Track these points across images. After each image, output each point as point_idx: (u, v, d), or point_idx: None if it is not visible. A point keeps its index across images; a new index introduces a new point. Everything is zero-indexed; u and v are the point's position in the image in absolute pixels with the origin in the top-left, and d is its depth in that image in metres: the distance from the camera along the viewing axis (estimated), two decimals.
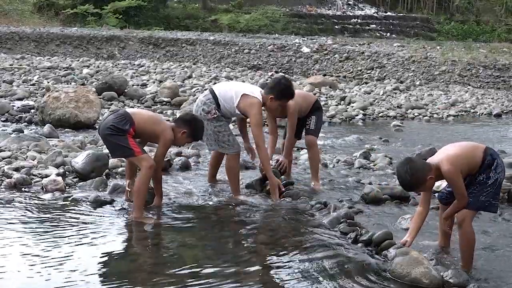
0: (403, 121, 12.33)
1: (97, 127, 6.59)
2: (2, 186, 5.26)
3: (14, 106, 10.71)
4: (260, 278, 3.70)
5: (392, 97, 15.74)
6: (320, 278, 3.65)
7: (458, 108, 14.68)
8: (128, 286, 3.45)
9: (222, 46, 24.55)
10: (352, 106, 13.36)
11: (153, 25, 31.02)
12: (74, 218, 4.59)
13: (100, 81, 12.94)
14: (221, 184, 5.72)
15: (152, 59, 22.84)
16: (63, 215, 4.65)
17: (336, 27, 35.74)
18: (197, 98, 5.88)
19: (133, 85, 13.86)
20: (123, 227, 4.62)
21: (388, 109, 13.54)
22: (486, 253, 4.18)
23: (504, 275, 3.83)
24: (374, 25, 36.68)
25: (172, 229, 4.52)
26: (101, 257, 3.88)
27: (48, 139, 7.36)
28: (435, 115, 13.59)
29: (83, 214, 4.70)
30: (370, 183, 5.85)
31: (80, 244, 4.05)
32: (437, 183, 4.07)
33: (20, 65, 17.41)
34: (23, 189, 5.25)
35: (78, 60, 20.16)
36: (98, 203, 4.92)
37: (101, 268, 3.73)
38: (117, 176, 5.83)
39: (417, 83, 19.65)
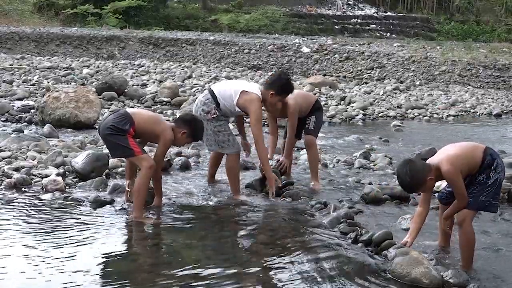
0: (403, 121, 12.32)
1: (97, 127, 6.59)
2: (2, 186, 5.25)
3: (14, 106, 10.69)
4: (260, 278, 3.69)
5: (392, 97, 15.74)
6: (320, 278, 3.65)
7: (458, 108, 14.68)
8: (128, 286, 3.45)
9: (222, 46, 24.55)
10: (352, 106, 13.35)
11: (153, 25, 31.03)
12: (74, 218, 4.59)
13: (100, 81, 12.92)
14: (221, 184, 5.72)
15: (152, 59, 22.83)
16: (63, 215, 4.65)
17: (336, 27, 35.76)
18: (197, 98, 5.87)
19: (133, 85, 13.85)
20: (123, 227, 4.62)
21: (388, 109, 13.53)
22: (486, 253, 4.18)
23: (504, 275, 3.83)
24: (374, 25, 36.69)
25: (172, 229, 4.52)
26: (101, 257, 3.88)
27: (48, 139, 7.36)
28: (435, 115, 13.59)
29: (83, 214, 4.70)
30: (370, 183, 5.85)
31: (80, 244, 4.04)
32: (437, 183, 4.07)
33: (20, 65, 17.39)
34: (23, 189, 5.25)
35: (78, 60, 20.16)
36: (98, 203, 4.92)
37: (101, 268, 3.73)
38: (117, 176, 5.82)
39: (417, 83, 19.65)
